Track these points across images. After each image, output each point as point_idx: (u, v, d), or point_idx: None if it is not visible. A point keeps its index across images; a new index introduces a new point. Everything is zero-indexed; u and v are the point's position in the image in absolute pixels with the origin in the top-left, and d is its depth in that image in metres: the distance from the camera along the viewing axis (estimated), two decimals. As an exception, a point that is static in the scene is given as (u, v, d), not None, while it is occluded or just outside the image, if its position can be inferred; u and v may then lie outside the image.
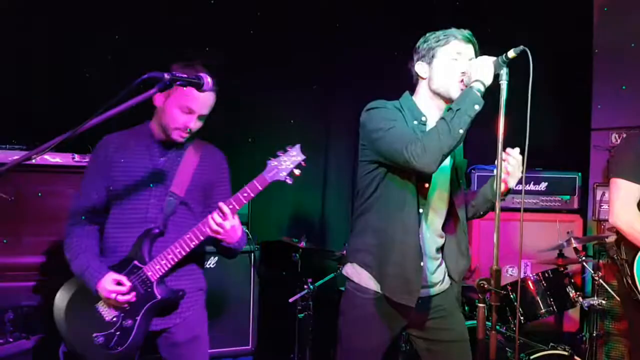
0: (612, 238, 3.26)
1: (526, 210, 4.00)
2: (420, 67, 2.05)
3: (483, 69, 1.84)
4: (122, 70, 3.20)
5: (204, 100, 2.04)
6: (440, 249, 2.12)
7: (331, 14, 4.17)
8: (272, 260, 3.68)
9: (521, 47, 1.74)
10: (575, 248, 3.25)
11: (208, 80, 1.69)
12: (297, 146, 2.00)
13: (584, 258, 3.28)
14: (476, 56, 1.99)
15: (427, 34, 2.06)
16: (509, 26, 4.17)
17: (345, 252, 3.22)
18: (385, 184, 2.00)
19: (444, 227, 2.11)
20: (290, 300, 3.18)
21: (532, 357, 2.79)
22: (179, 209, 2.13)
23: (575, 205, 4.11)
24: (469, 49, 1.99)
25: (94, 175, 2.14)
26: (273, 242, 3.68)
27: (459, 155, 2.16)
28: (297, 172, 1.99)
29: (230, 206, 2.00)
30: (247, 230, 3.44)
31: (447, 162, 2.08)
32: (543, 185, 4.11)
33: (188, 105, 2.04)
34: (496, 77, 1.84)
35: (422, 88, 2.07)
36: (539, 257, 3.49)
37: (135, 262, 2.07)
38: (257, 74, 3.84)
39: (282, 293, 3.28)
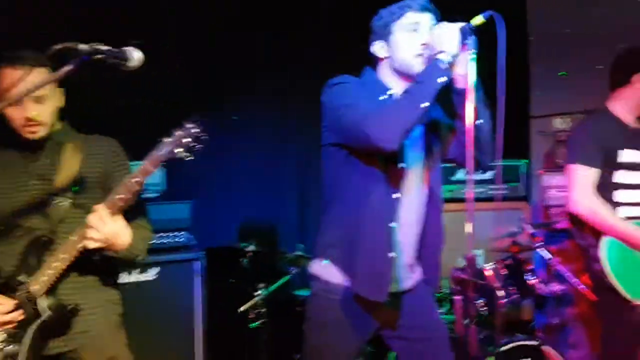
0: (564, 223, 3.25)
1: (475, 199, 3.94)
2: (377, 47, 1.87)
3: (446, 38, 1.67)
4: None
5: (27, 81, 1.61)
6: (420, 241, 1.95)
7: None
8: (219, 267, 3.41)
9: (490, 12, 1.61)
10: (531, 234, 3.20)
11: (135, 54, 1.43)
12: (195, 119, 1.72)
13: (540, 244, 3.24)
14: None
15: (381, 10, 1.90)
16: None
17: (299, 252, 3.04)
18: (349, 169, 1.81)
19: (425, 216, 1.94)
20: (240, 309, 2.94)
21: (501, 350, 2.69)
22: (71, 211, 1.84)
23: (522, 193, 4.13)
24: (428, 18, 1.82)
25: None
26: (219, 248, 3.44)
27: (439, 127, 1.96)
28: (195, 146, 1.70)
29: (120, 195, 1.70)
30: (190, 236, 3.21)
31: (422, 138, 1.92)
32: (490, 174, 4.09)
33: (11, 96, 1.69)
34: None
35: (384, 68, 1.90)
36: (491, 245, 3.43)
37: (21, 277, 1.78)
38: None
39: (232, 302, 3.03)
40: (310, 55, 3.97)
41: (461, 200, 3.71)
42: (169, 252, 3.10)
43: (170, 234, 3.11)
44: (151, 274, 3.00)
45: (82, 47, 1.26)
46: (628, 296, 2.38)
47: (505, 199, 4.09)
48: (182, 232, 3.16)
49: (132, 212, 1.88)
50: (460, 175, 4.02)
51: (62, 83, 1.84)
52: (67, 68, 1.27)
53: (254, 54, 3.83)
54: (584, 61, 3.94)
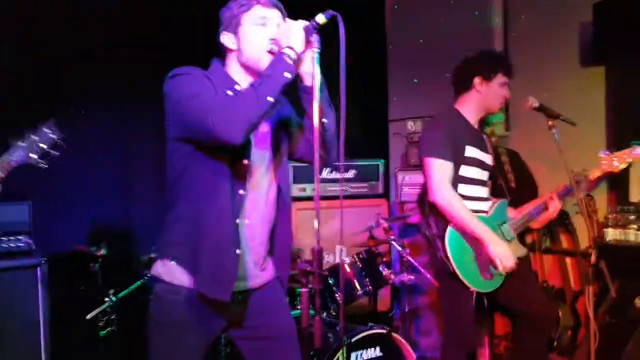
0: (415, 218, 3.47)
1: (336, 197, 4.12)
2: (226, 38, 1.84)
3: (292, 34, 1.70)
4: None
5: None
6: (269, 238, 1.94)
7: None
8: (66, 274, 3.19)
9: (331, 12, 1.65)
10: (385, 228, 3.38)
11: None
12: (50, 122, 1.59)
13: (393, 237, 3.43)
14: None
15: (230, 2, 1.87)
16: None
17: (153, 254, 2.92)
18: (194, 165, 1.76)
19: (274, 213, 1.93)
20: (88, 316, 2.76)
21: (354, 340, 2.79)
22: None
23: (380, 190, 4.38)
24: (275, 14, 1.83)
25: None
26: (65, 253, 3.20)
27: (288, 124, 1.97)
28: (51, 153, 1.58)
29: None
30: (30, 240, 2.92)
31: (269, 135, 1.91)
32: (351, 173, 4.31)
33: None
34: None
35: (231, 61, 1.87)
36: (352, 240, 3.57)
37: None
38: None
39: (80, 311, 2.84)
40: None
41: (325, 198, 3.81)
42: (7, 258, 2.82)
43: (7, 238, 2.82)
44: (-13, 284, 2.71)
45: None
46: (467, 283, 2.60)
47: (366, 196, 4.30)
48: (22, 236, 2.89)
49: None
50: (325, 173, 4.16)
51: None
52: None
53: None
54: (435, 69, 4.24)
